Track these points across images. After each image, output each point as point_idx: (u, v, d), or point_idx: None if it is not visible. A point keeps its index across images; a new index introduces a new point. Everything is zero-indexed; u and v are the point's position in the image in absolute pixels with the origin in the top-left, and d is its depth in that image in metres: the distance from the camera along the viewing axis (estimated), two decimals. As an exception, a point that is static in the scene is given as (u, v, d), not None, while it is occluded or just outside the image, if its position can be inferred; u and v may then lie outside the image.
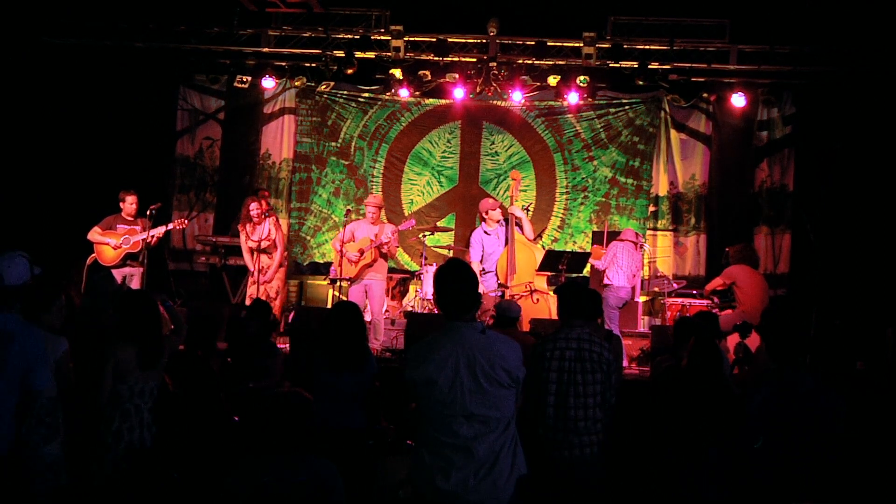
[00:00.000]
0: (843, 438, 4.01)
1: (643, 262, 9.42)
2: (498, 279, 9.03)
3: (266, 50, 10.64)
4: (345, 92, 11.41)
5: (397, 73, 10.42)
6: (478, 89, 10.61)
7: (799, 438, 3.99)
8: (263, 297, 8.87)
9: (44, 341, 4.23)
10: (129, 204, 9.02)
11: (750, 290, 8.50)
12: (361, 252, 8.79)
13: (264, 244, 9.13)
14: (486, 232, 9.14)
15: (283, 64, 10.82)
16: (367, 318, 9.05)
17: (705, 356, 4.92)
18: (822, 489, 3.89)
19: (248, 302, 8.91)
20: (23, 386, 4.08)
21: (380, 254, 8.90)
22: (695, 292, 9.78)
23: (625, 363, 8.51)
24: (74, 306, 6.62)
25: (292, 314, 9.16)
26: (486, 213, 9.12)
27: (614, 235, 9.64)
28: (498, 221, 9.13)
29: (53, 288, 4.66)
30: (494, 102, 11.20)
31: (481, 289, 8.69)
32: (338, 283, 9.08)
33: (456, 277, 3.64)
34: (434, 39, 10.26)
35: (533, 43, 10.17)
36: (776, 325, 4.15)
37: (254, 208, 9.11)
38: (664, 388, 5.13)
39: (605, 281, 8.98)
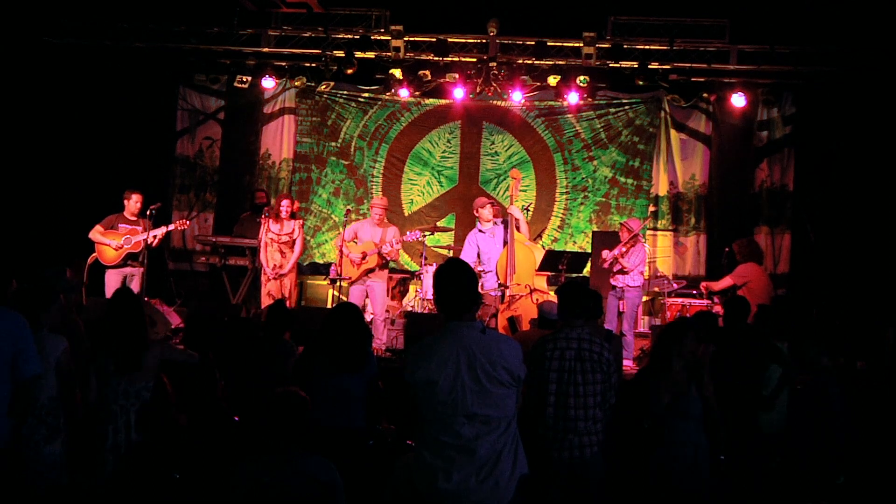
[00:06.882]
0: (845, 435, 4.01)
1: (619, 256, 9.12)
2: (497, 279, 9.00)
3: (266, 50, 10.63)
4: (345, 92, 11.41)
5: (397, 73, 10.41)
6: (478, 89, 10.60)
7: (800, 437, 3.99)
8: (278, 295, 8.88)
9: (26, 324, 4.05)
10: (134, 203, 9.02)
11: (760, 290, 8.37)
12: (364, 255, 8.81)
13: (284, 238, 9.11)
14: (480, 230, 9.04)
15: (283, 64, 10.82)
16: (368, 318, 9.06)
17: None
18: (824, 488, 3.89)
19: (266, 299, 8.90)
20: (13, 376, 3.94)
21: (381, 259, 8.92)
22: (695, 292, 9.74)
23: (627, 363, 8.50)
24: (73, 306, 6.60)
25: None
26: (477, 210, 9.07)
27: (613, 235, 9.55)
28: (491, 220, 8.99)
29: (51, 287, 4.65)
30: (494, 102, 11.19)
31: (482, 288, 8.70)
32: (338, 283, 9.06)
33: (454, 277, 3.63)
34: (434, 39, 10.25)
35: (533, 43, 10.17)
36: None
37: (285, 205, 9.12)
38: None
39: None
